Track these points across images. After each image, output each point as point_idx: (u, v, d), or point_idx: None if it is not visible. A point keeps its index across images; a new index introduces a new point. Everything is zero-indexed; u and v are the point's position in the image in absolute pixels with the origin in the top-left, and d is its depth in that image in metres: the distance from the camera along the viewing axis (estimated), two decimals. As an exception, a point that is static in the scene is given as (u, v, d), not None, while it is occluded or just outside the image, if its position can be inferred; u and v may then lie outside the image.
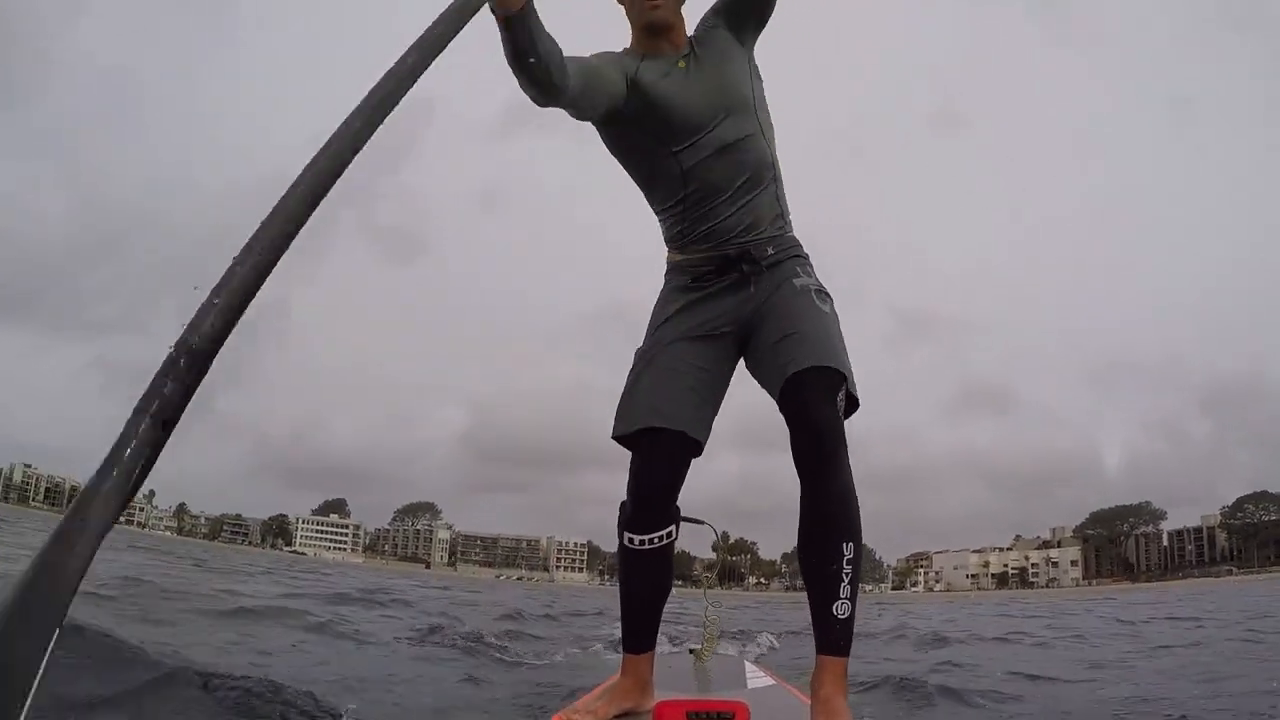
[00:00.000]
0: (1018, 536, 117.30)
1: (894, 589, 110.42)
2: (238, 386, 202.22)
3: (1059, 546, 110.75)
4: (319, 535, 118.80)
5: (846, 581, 2.03)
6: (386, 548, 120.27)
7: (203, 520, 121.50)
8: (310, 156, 1.05)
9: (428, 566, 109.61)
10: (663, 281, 2.40)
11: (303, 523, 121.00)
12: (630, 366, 2.31)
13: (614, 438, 2.25)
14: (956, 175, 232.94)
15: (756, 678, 3.19)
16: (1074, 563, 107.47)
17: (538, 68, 1.83)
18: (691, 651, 3.64)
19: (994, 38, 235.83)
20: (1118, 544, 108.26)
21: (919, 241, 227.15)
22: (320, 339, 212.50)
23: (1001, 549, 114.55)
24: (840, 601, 2.02)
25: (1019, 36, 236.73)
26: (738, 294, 2.26)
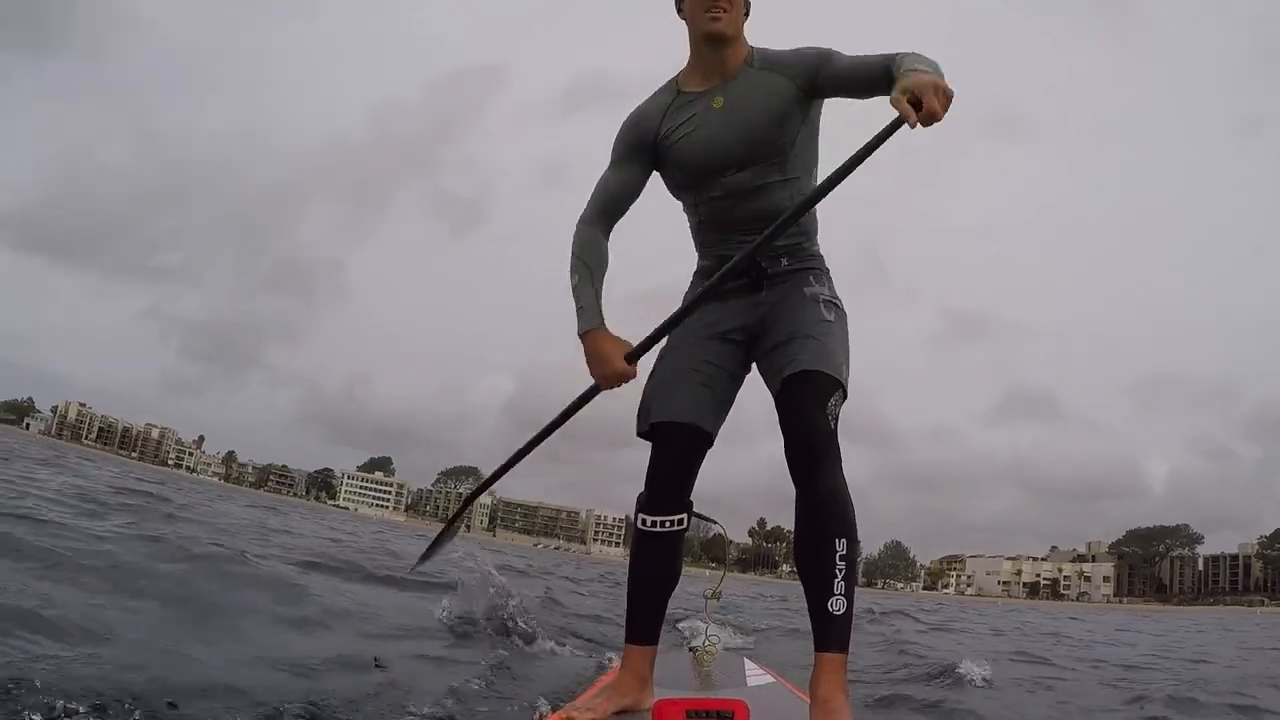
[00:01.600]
0: (1054, 547, 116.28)
1: (925, 589, 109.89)
2: (292, 341, 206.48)
3: (1093, 561, 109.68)
4: (363, 491, 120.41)
5: (841, 578, 2.09)
6: (428, 508, 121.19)
7: (250, 469, 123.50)
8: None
9: (468, 530, 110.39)
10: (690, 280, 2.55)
11: (347, 478, 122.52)
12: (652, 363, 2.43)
13: (639, 435, 2.41)
14: (1015, 180, 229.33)
15: (756, 676, 3.21)
16: (1106, 579, 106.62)
17: None
18: (691, 650, 3.56)
19: (1062, 42, 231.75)
20: (1152, 564, 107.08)
21: (975, 245, 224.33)
22: (375, 299, 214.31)
23: (1036, 558, 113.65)
24: (835, 598, 2.08)
25: (1089, 45, 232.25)
26: (749, 298, 2.37)
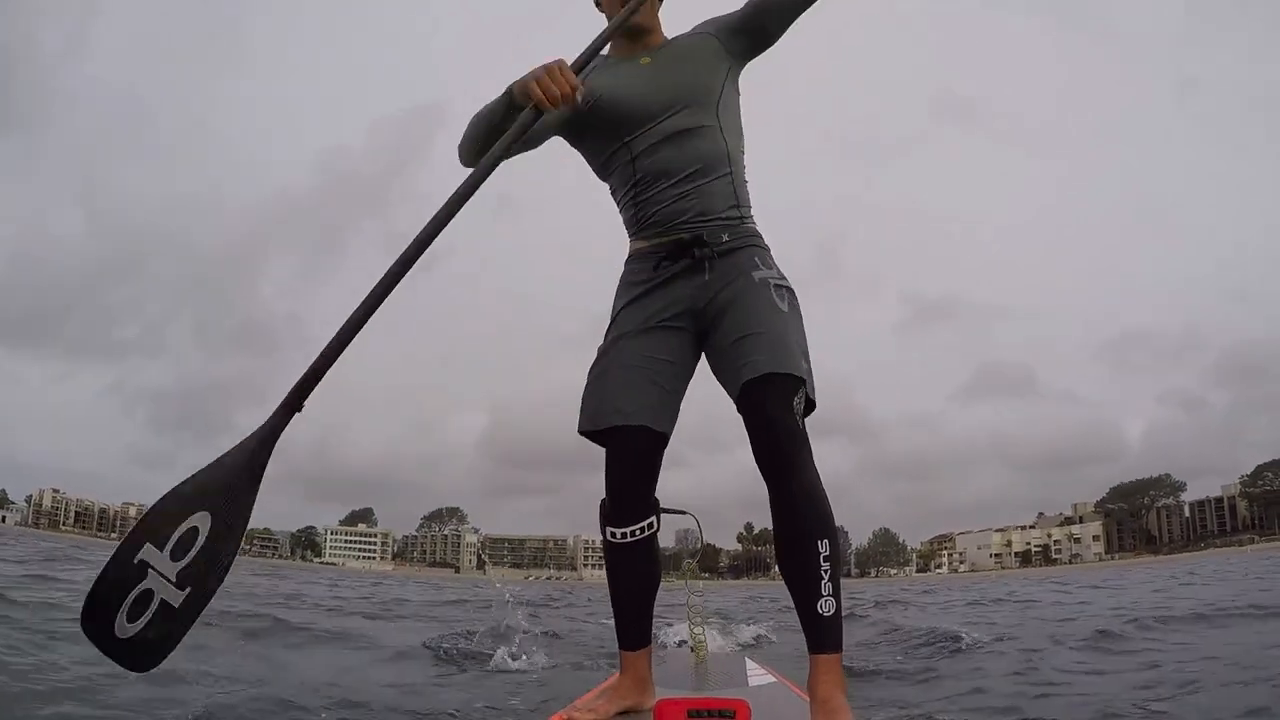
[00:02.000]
0: (1040, 514, 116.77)
1: (919, 571, 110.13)
2: (259, 401, 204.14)
3: (1081, 523, 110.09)
4: (348, 545, 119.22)
5: (827, 579, 2.05)
6: (415, 554, 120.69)
7: None
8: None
9: (457, 571, 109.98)
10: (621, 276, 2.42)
11: (331, 534, 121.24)
12: (592, 362, 2.34)
13: (580, 433, 2.29)
14: (966, 163, 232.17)
15: (757, 675, 3.19)
16: (1096, 538, 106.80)
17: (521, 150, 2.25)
18: (692, 649, 3.57)
19: (1000, 23, 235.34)
20: (1139, 517, 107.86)
21: (933, 229, 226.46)
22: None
23: (1024, 527, 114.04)
24: (823, 599, 2.04)
25: (1025, 23, 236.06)
26: (692, 280, 2.25)
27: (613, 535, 2.28)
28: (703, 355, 2.32)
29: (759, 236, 2.33)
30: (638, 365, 2.25)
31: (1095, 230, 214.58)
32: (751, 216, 2.35)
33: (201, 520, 1.79)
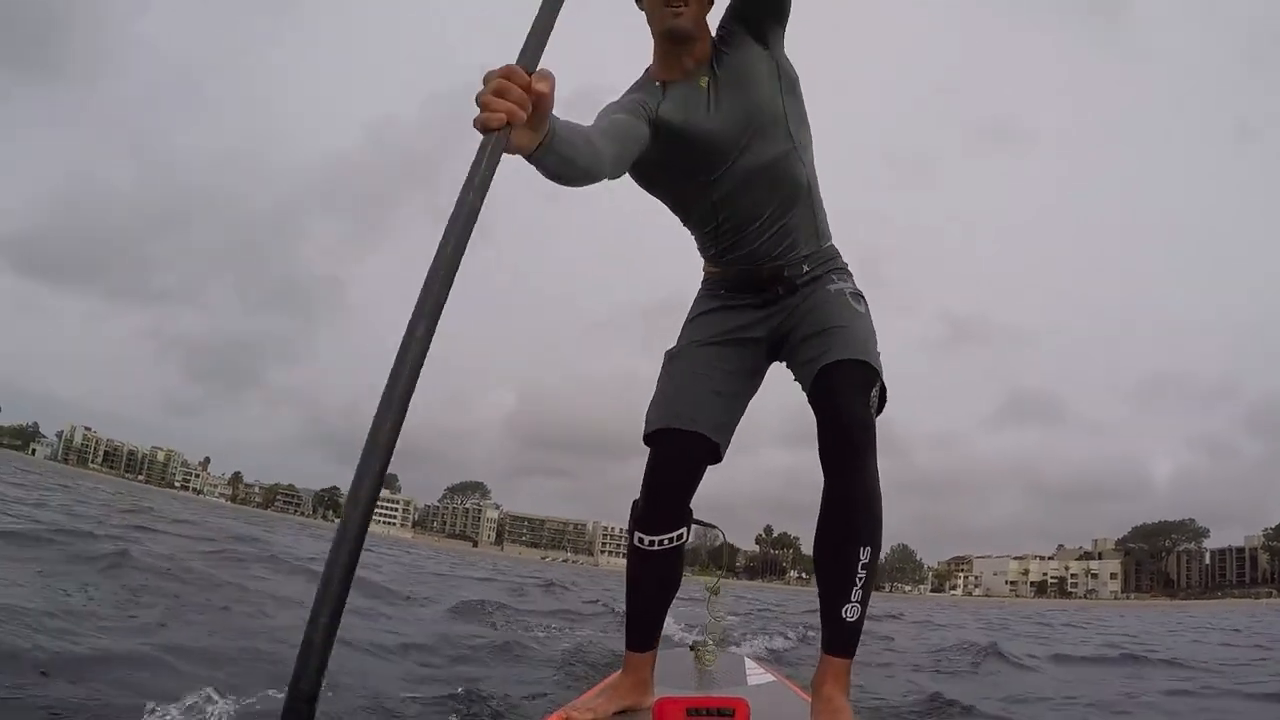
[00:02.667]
0: (1060, 546, 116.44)
1: (933, 591, 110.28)
2: (293, 360, 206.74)
3: (1100, 559, 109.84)
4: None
5: (859, 585, 2.02)
6: (435, 524, 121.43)
7: (257, 489, 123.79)
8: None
9: (475, 545, 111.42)
10: (699, 287, 2.39)
11: None
12: (660, 368, 2.30)
13: (645, 438, 2.23)
14: (1013, 187, 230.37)
15: (757, 675, 3.18)
16: (1113, 575, 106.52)
17: (582, 182, 1.75)
18: (692, 649, 3.58)
19: (1057, 48, 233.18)
20: (1159, 559, 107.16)
21: (974, 250, 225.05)
22: (377, 315, 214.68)
23: (1043, 557, 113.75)
24: (850, 605, 2.02)
25: (1076, 51, 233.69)
26: (771, 307, 2.24)
27: (641, 541, 2.21)
28: (770, 372, 2.32)
29: (837, 257, 2.29)
30: (701, 373, 2.23)
31: (1139, 266, 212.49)
32: (828, 234, 2.30)
33: None
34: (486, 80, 1.38)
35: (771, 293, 2.22)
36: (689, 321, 2.33)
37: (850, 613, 2.02)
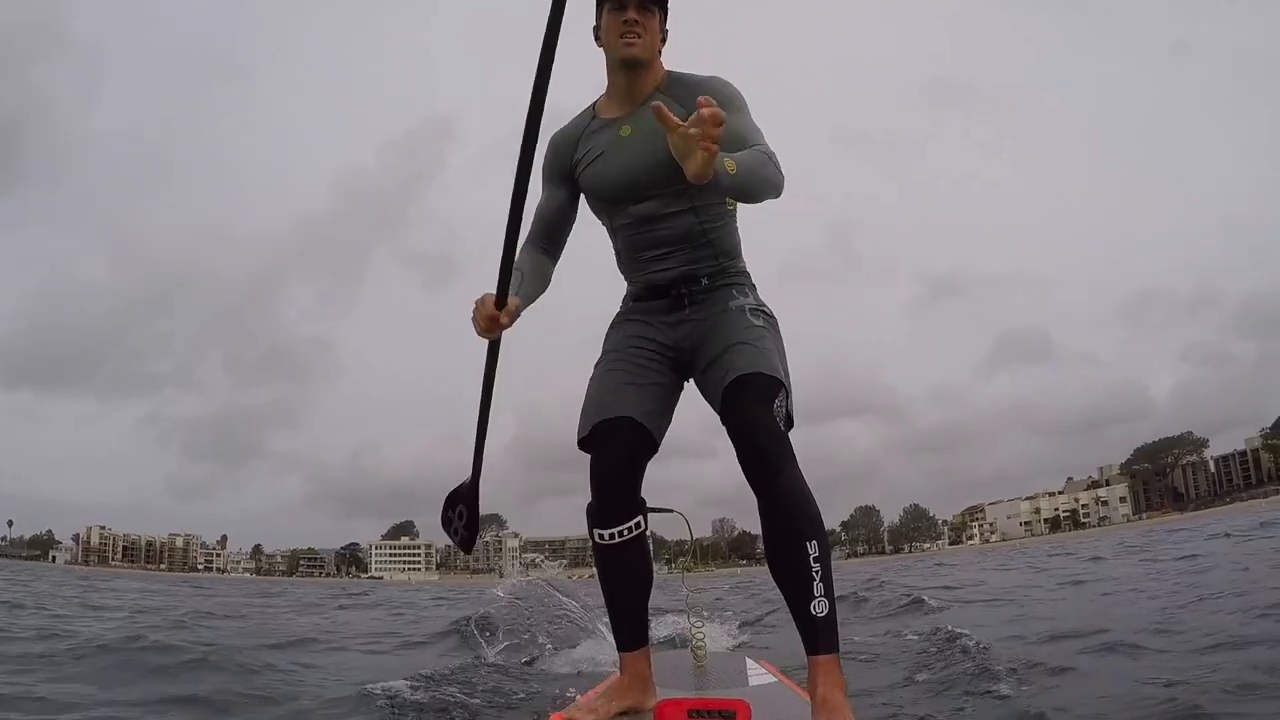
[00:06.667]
0: (1068, 479, 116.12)
1: (951, 544, 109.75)
2: (292, 425, 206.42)
3: (1107, 485, 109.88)
4: (392, 559, 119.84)
5: (818, 579, 2.03)
6: (458, 563, 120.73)
7: (279, 558, 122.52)
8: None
9: (501, 575, 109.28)
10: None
11: (375, 548, 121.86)
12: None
13: (579, 446, 2.34)
14: (965, 138, 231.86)
15: (758, 675, 3.18)
16: (1123, 499, 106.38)
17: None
18: (692, 651, 3.58)
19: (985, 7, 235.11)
20: (1165, 476, 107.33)
21: (937, 206, 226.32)
22: (366, 367, 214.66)
23: (1052, 493, 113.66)
24: (816, 600, 2.03)
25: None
26: (671, 315, 2.38)
27: (600, 537, 2.27)
28: (689, 384, 2.45)
29: (743, 275, 2.43)
30: (621, 369, 2.37)
31: (1096, 194, 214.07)
32: (738, 258, 2.45)
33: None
34: (476, 306, 2.20)
35: (675, 300, 2.38)
36: (606, 339, 2.51)
37: (819, 608, 2.03)
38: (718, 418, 2.27)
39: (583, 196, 2.48)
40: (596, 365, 2.45)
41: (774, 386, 2.16)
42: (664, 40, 2.38)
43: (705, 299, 2.37)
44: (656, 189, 2.28)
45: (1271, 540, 12.34)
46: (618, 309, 2.55)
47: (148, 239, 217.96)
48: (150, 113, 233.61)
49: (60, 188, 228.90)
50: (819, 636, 2.05)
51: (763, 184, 2.06)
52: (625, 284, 2.54)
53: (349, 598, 19.40)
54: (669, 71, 2.40)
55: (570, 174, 2.44)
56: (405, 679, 4.03)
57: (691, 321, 2.36)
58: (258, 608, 12.04)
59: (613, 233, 2.46)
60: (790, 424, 2.21)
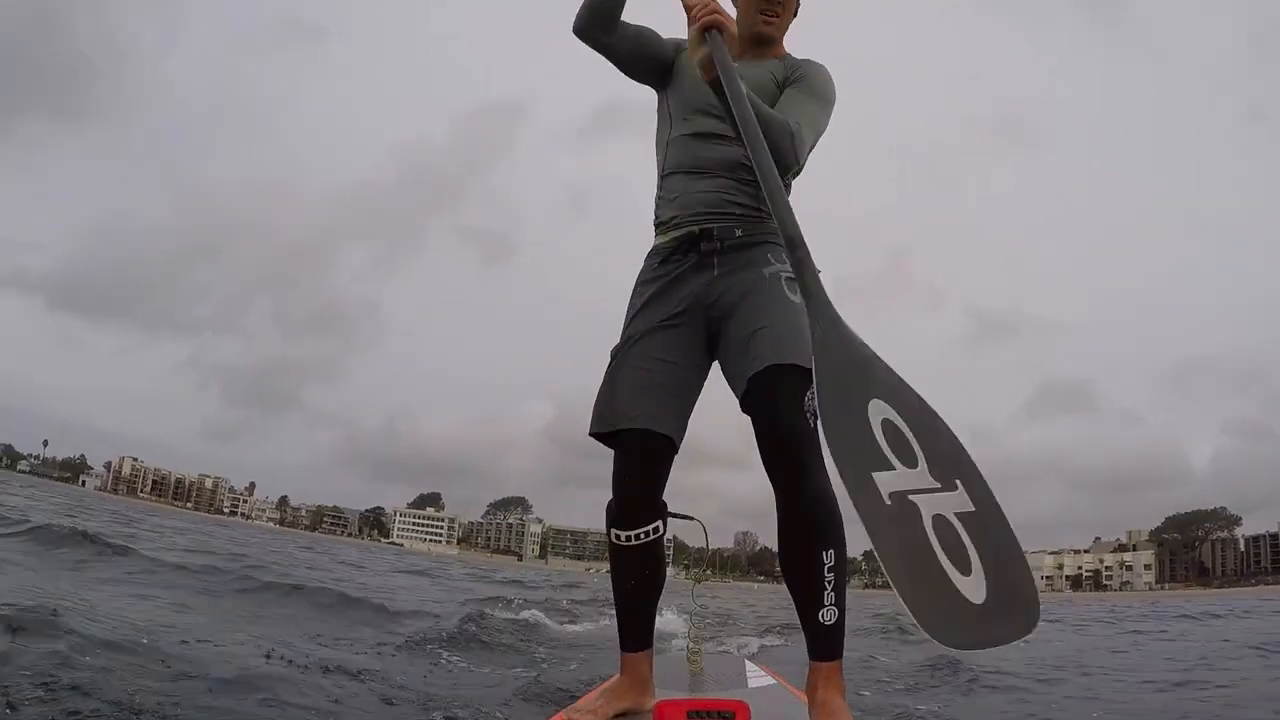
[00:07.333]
0: (1096, 539, 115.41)
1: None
2: (330, 382, 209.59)
3: (1134, 550, 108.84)
4: (415, 528, 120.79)
5: (830, 588, 2.00)
6: (480, 540, 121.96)
7: (303, 512, 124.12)
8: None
9: (520, 559, 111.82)
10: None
11: (399, 515, 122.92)
12: (606, 364, 2.30)
13: (590, 435, 2.25)
14: (1030, 179, 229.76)
15: (757, 677, 3.16)
16: (1147, 566, 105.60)
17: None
18: (689, 656, 3.52)
19: (1059, 51, 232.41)
20: (1193, 549, 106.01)
21: (997, 245, 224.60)
22: (412, 334, 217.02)
23: (1078, 551, 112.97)
24: (825, 608, 2.00)
25: (1085, 50, 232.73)
26: (700, 276, 2.23)
27: (618, 537, 2.24)
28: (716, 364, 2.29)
29: (777, 237, 2.12)
30: (645, 368, 2.23)
31: (1162, 255, 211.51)
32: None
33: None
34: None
35: (704, 258, 2.23)
36: (629, 314, 2.33)
37: (827, 616, 2.00)
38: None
39: (655, 94, 2.49)
40: (620, 345, 2.31)
41: (805, 381, 1.96)
42: (794, 16, 2.42)
43: (737, 255, 2.23)
44: (723, 113, 2.11)
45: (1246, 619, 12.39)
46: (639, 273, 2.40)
47: (210, 187, 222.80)
48: (224, 64, 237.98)
49: (130, 127, 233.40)
50: (825, 644, 2.03)
51: (768, 129, 1.97)
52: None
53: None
54: (789, 57, 2.40)
55: (669, 58, 2.42)
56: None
57: (722, 282, 2.22)
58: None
59: (668, 147, 2.38)
60: (816, 418, 1.91)
